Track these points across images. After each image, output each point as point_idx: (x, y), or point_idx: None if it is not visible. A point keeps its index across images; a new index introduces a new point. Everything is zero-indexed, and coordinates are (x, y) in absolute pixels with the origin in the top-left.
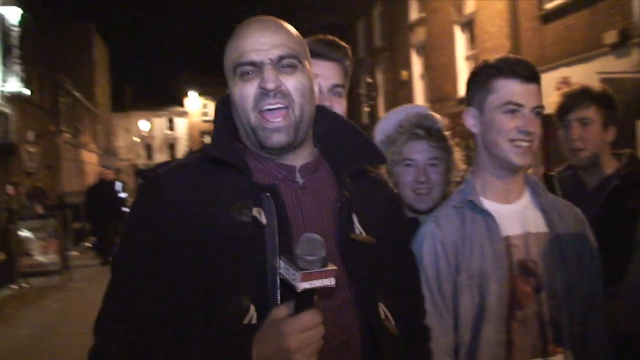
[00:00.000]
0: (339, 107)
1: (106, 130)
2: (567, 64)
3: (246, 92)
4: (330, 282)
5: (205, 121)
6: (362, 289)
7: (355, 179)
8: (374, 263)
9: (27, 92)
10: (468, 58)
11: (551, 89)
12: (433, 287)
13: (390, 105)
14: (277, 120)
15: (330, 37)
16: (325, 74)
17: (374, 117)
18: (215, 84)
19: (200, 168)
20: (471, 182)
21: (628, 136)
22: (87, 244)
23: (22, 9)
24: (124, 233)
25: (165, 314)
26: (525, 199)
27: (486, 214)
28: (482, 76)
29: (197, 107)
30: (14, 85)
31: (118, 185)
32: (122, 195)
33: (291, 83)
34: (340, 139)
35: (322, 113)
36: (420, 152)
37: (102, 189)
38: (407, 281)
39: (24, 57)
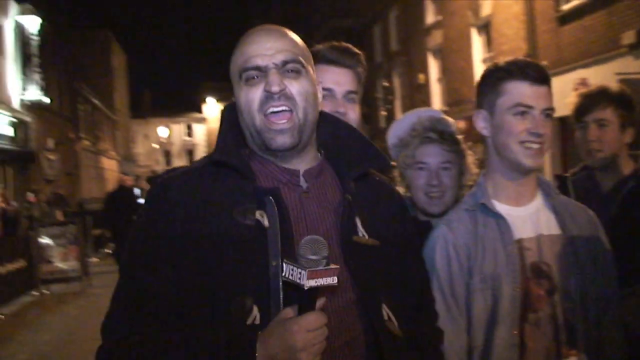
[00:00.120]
0: (353, 113)
1: (125, 136)
2: (585, 66)
3: (252, 95)
4: (333, 280)
5: None
6: (365, 290)
7: (359, 182)
8: (378, 265)
9: (47, 100)
10: (485, 61)
11: (569, 90)
12: (446, 290)
13: (407, 109)
14: (281, 122)
15: (344, 43)
16: (339, 81)
17: (390, 121)
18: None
19: (205, 172)
20: (483, 184)
21: None
22: (107, 251)
23: (42, 18)
24: (131, 235)
25: (170, 314)
26: (538, 201)
27: (498, 217)
28: (492, 79)
29: (215, 113)
30: (34, 93)
31: (137, 192)
32: (141, 201)
33: (295, 87)
34: (344, 144)
35: (325, 119)
36: (432, 155)
37: (122, 195)
38: (413, 283)
39: (43, 65)
